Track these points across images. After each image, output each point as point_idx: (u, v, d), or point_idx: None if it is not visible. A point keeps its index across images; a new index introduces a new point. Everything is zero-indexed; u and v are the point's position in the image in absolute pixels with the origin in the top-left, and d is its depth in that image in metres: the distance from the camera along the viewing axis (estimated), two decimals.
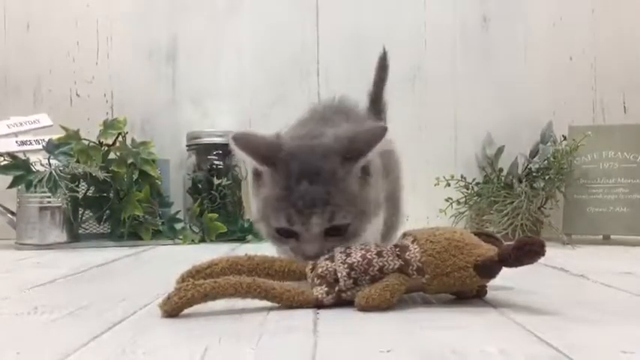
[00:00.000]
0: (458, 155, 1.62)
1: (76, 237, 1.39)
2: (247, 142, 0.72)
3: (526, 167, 1.45)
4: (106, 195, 1.41)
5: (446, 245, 0.64)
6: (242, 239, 1.42)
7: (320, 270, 0.64)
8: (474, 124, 1.61)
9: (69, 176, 1.33)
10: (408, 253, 0.64)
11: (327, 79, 1.63)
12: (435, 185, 1.48)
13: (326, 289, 0.63)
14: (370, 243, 0.67)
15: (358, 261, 0.64)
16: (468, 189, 1.48)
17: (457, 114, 1.62)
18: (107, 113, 1.61)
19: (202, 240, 1.42)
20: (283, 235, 0.71)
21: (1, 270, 0.98)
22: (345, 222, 0.69)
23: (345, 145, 0.71)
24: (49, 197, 1.32)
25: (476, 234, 0.70)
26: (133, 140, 1.47)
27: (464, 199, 1.47)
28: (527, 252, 0.61)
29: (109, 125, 1.44)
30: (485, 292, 0.68)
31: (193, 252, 1.22)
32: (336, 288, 0.63)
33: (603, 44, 1.61)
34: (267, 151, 0.71)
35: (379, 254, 0.64)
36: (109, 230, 1.44)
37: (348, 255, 0.65)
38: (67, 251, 1.28)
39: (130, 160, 1.42)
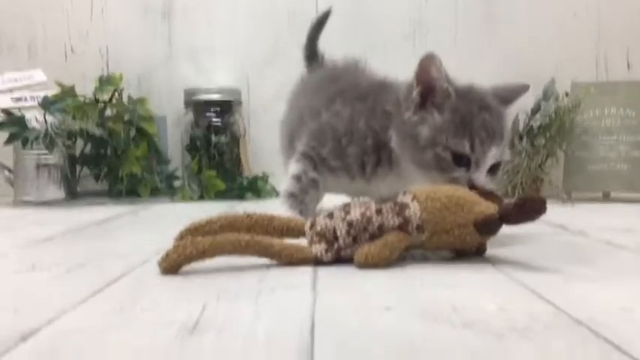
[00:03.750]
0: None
1: (73, 194, 1.38)
2: (440, 65, 0.76)
3: (527, 124, 1.43)
4: (104, 152, 1.40)
5: (446, 202, 0.63)
6: (241, 197, 1.42)
7: (319, 227, 0.64)
8: (476, 81, 1.58)
9: (65, 133, 1.32)
10: (407, 211, 0.63)
11: (327, 30, 1.60)
12: None
13: (325, 246, 0.63)
14: (370, 201, 0.67)
15: (357, 219, 0.63)
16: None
17: (459, 69, 1.59)
18: (102, 69, 1.58)
19: (201, 197, 1.41)
20: (455, 163, 0.75)
21: None
22: (505, 159, 0.79)
23: (502, 90, 0.82)
24: (46, 154, 1.31)
25: (477, 192, 0.69)
26: (129, 97, 1.45)
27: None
28: (528, 210, 0.60)
29: (104, 81, 1.42)
30: (485, 250, 0.67)
31: (192, 209, 1.21)
32: (335, 245, 0.63)
33: (607, 0, 1.58)
34: (450, 81, 0.77)
35: (378, 212, 0.63)
36: (107, 188, 1.43)
37: (347, 212, 0.64)
38: (65, 208, 1.27)
39: (126, 117, 1.41)
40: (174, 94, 1.57)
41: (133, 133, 1.42)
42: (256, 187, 1.42)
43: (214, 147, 1.47)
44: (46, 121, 1.29)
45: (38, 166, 1.32)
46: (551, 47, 1.58)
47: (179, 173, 1.48)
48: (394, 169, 0.84)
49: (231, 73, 1.60)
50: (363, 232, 0.63)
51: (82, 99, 1.38)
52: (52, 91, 1.37)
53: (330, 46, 1.58)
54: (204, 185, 1.41)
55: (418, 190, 0.66)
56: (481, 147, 0.75)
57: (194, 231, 0.67)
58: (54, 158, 1.33)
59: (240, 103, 1.53)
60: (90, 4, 1.59)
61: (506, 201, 0.65)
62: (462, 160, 0.76)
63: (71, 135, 1.35)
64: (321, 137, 0.89)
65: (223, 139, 1.47)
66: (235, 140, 1.50)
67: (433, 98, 0.77)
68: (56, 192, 1.34)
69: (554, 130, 1.36)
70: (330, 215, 0.65)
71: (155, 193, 1.42)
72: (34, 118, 1.31)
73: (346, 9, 1.59)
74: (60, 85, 1.38)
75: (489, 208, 0.63)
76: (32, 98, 1.36)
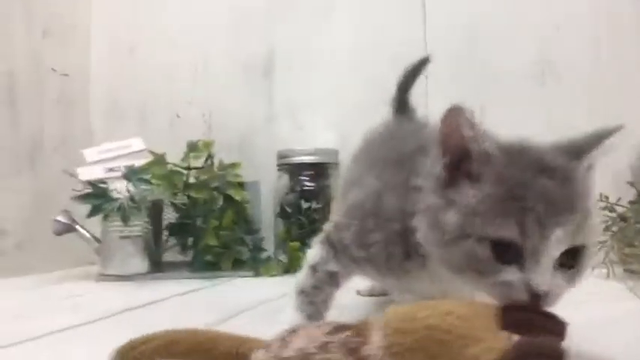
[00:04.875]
0: (604, 167, 1.28)
1: (158, 266, 1.32)
2: (472, 118, 0.52)
3: None
4: (190, 222, 1.33)
5: (423, 338, 0.41)
6: None
7: None
8: (625, 127, 1.26)
9: (144, 204, 1.27)
10: (365, 348, 0.43)
11: (437, 80, 1.40)
12: None
13: None
14: (333, 322, 0.47)
15: (294, 356, 0.44)
16: (611, 211, 1.15)
17: (601, 113, 1.29)
18: (204, 134, 1.54)
19: (287, 271, 1.27)
20: (500, 259, 0.50)
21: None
22: (588, 242, 0.52)
23: (567, 142, 0.56)
24: (131, 226, 1.27)
25: (504, 309, 0.46)
26: (220, 162, 1.38)
27: (604, 225, 1.14)
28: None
29: (191, 148, 1.36)
30: None
31: (267, 286, 1.09)
32: None
33: None
34: (490, 139, 0.53)
35: (324, 347, 0.43)
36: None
37: (285, 345, 0.45)
38: (136, 283, 1.21)
39: (214, 184, 1.33)
40: (272, 157, 1.47)
41: (220, 200, 1.33)
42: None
43: (304, 214, 1.32)
44: (129, 192, 1.26)
45: (121, 238, 1.28)
46: None
47: (271, 243, 1.36)
48: (428, 267, 0.61)
49: (332, 129, 1.46)
50: None
51: (170, 167, 1.33)
52: (144, 161, 1.34)
53: (436, 96, 1.38)
54: (290, 258, 1.27)
55: (394, 313, 0.45)
56: (539, 229, 0.49)
57: (130, 350, 0.53)
58: (138, 230, 1.28)
59: (337, 164, 1.38)
60: (194, 68, 1.57)
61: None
62: (509, 254, 0.50)
63: (157, 205, 1.30)
64: (346, 217, 0.70)
65: (315, 204, 1.33)
66: (329, 206, 1.34)
67: (467, 167, 0.53)
68: (138, 265, 1.28)
69: None
70: (268, 346, 0.46)
71: (239, 265, 1.31)
72: (120, 189, 1.28)
73: (458, 49, 1.38)
74: (152, 153, 1.35)
75: (491, 351, 0.40)
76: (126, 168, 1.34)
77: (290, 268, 1.26)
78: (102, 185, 1.28)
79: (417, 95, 1.37)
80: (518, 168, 0.51)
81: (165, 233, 1.36)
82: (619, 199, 1.16)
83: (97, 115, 1.63)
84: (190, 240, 1.33)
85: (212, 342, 0.51)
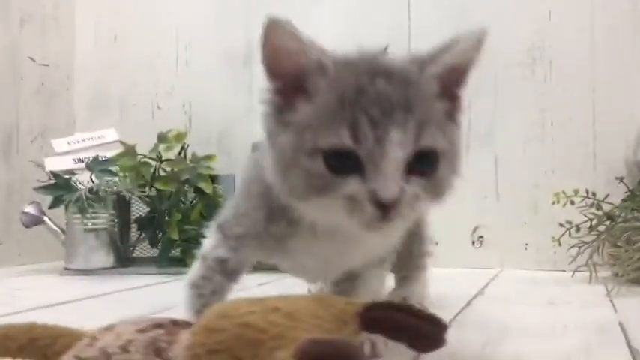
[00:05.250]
0: (598, 162, 1.18)
1: (124, 261, 1.27)
2: (296, 31, 0.47)
3: None
4: (157, 216, 1.28)
5: (231, 338, 0.35)
6: None
7: None
8: (620, 118, 1.16)
9: (114, 196, 1.23)
10: (172, 348, 0.36)
11: None
12: (553, 203, 1.09)
13: None
14: (156, 318, 0.40)
15: (94, 356, 0.37)
16: (597, 209, 1.05)
17: (596, 104, 1.19)
18: (185, 125, 1.49)
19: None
20: (336, 171, 0.45)
21: None
22: (437, 146, 0.47)
23: (422, 52, 0.50)
24: (95, 218, 1.23)
25: (366, 307, 0.39)
26: (193, 154, 1.32)
27: (589, 224, 1.05)
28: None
29: (161, 139, 1.31)
30: None
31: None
32: None
33: None
34: (319, 48, 0.48)
35: (125, 347, 0.37)
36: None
37: (95, 340, 0.39)
38: (97, 277, 1.17)
39: (185, 177, 1.28)
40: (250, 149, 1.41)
41: (190, 193, 1.28)
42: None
43: None
44: (93, 183, 1.22)
45: (86, 231, 1.24)
46: None
47: None
48: (297, 231, 0.54)
49: None
50: None
51: (140, 158, 1.29)
52: (116, 152, 1.30)
53: None
54: None
55: (218, 307, 0.38)
56: (373, 131, 0.43)
57: None
58: (102, 223, 1.24)
59: None
60: (175, 57, 1.52)
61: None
62: (347, 164, 0.44)
63: (121, 197, 1.25)
64: (230, 201, 0.65)
65: None
66: None
67: (301, 84, 0.47)
68: (103, 259, 1.24)
69: None
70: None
71: None
72: (86, 180, 1.24)
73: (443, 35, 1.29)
74: (123, 144, 1.31)
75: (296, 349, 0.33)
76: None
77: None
78: (66, 176, 1.24)
79: None
80: (353, 74, 0.46)
81: (135, 227, 1.32)
82: (607, 195, 1.06)
83: (80, 105, 1.60)
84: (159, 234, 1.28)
85: (50, 338, 0.46)
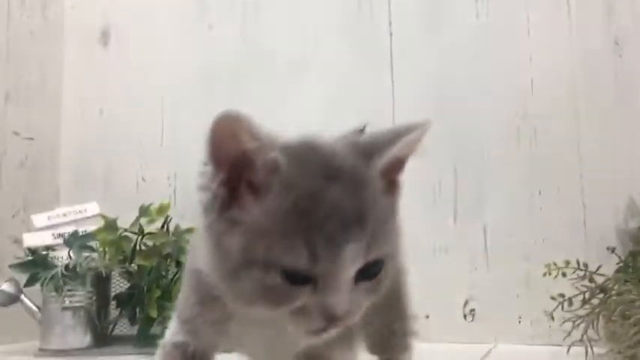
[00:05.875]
0: (589, 231, 1.15)
1: (102, 340, 1.22)
2: (250, 124, 0.44)
3: None
4: (136, 292, 1.23)
5: None
6: None
7: None
8: (609, 186, 1.14)
9: (92, 272, 1.19)
10: None
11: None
12: (544, 275, 1.05)
13: None
14: None
15: None
16: (590, 281, 1.02)
17: (584, 173, 1.17)
18: (170, 196, 1.47)
19: None
20: (290, 282, 0.43)
21: None
22: (385, 253, 0.47)
23: (364, 140, 0.50)
24: (71, 296, 1.19)
25: None
26: (176, 227, 1.29)
27: (582, 297, 1.01)
28: None
29: (142, 212, 1.28)
30: None
31: None
32: None
33: None
34: (275, 138, 0.46)
35: None
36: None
37: None
38: (74, 358, 1.12)
39: (167, 251, 1.25)
40: None
41: (172, 268, 1.24)
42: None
43: None
44: (70, 259, 1.18)
45: (63, 309, 1.19)
46: None
47: None
48: (228, 312, 0.52)
49: None
50: None
51: (120, 232, 1.26)
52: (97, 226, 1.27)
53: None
54: None
55: None
56: (329, 250, 0.42)
57: None
58: (78, 301, 1.19)
59: None
60: (161, 128, 1.52)
61: None
62: (300, 276, 0.43)
63: (101, 274, 1.21)
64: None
65: None
66: None
67: (251, 179, 0.45)
68: (79, 338, 1.19)
69: None
70: None
71: None
72: (65, 256, 1.21)
73: (426, 108, 1.28)
74: (104, 217, 1.28)
75: None
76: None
77: None
78: (44, 252, 1.21)
79: None
80: (307, 176, 0.45)
81: (114, 304, 1.27)
82: (599, 266, 1.03)
83: (64, 178, 1.59)
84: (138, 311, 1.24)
85: None
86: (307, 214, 0.43)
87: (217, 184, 0.46)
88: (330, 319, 0.44)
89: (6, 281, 1.24)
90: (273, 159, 0.45)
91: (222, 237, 0.45)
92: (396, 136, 0.48)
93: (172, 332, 0.60)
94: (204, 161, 0.47)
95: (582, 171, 1.17)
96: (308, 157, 0.46)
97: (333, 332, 0.46)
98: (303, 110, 1.38)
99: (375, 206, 0.46)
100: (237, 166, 0.45)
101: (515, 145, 1.22)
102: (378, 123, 0.91)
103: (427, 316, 1.17)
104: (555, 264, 1.04)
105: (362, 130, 0.90)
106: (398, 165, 0.50)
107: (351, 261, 0.43)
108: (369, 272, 0.46)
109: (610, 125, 1.16)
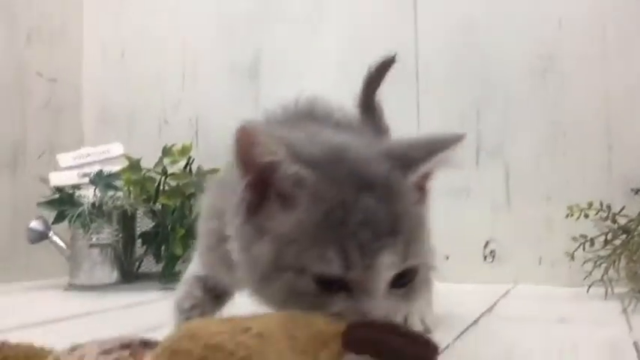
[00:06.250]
0: (613, 173, 1.14)
1: (128, 277, 1.26)
2: (270, 138, 0.44)
3: None
4: (161, 230, 1.26)
5: None
6: None
7: None
8: (636, 128, 1.13)
9: (118, 210, 1.22)
10: None
11: (428, 84, 1.29)
12: (567, 217, 1.05)
13: None
14: (126, 337, 0.38)
15: None
16: (613, 222, 1.01)
17: (610, 114, 1.15)
18: (192, 139, 1.47)
19: None
20: (324, 289, 0.43)
21: None
22: (420, 262, 0.46)
23: (397, 148, 0.48)
24: (99, 234, 1.21)
25: (349, 327, 0.36)
26: (198, 168, 1.31)
27: (604, 238, 1.01)
28: None
29: (165, 152, 1.29)
30: None
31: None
32: None
33: None
34: (301, 148, 0.45)
35: None
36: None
37: None
38: (102, 293, 1.15)
39: (190, 191, 1.26)
40: None
41: (195, 208, 1.26)
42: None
43: None
44: (96, 197, 1.20)
45: (91, 246, 1.22)
46: None
47: None
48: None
49: None
50: None
51: (145, 172, 1.27)
52: (122, 166, 1.29)
53: (428, 98, 1.29)
54: None
55: (186, 327, 0.35)
56: (362, 258, 0.42)
57: None
58: (106, 238, 1.22)
59: None
60: (182, 72, 1.51)
61: None
62: (334, 283, 0.43)
63: (126, 213, 1.24)
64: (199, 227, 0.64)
65: None
66: None
67: (276, 188, 0.45)
68: (107, 274, 1.22)
69: None
70: None
71: None
72: (91, 195, 1.23)
73: (451, 49, 1.26)
74: (128, 158, 1.30)
75: None
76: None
77: None
78: (70, 191, 1.23)
79: (407, 97, 1.29)
80: (336, 185, 0.44)
81: (140, 242, 1.30)
82: (622, 208, 1.02)
83: (88, 120, 1.60)
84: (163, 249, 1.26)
85: (20, 358, 0.43)
86: (340, 223, 0.42)
87: (244, 186, 0.46)
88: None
89: (35, 219, 1.27)
90: (296, 173, 0.44)
91: (252, 245, 0.45)
92: (431, 150, 0.47)
93: (194, 266, 0.62)
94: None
95: (609, 112, 1.15)
96: (338, 167, 0.45)
97: None
98: (323, 53, 1.37)
99: (409, 216, 0.45)
100: (264, 173, 0.45)
101: (542, 87, 1.20)
102: (401, 64, 0.92)
103: (447, 257, 1.18)
104: (578, 205, 1.04)
105: (392, 59, 0.89)
106: (429, 175, 0.50)
107: (386, 269, 0.43)
108: (403, 280, 0.45)
109: (638, 67, 1.13)
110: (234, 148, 0.45)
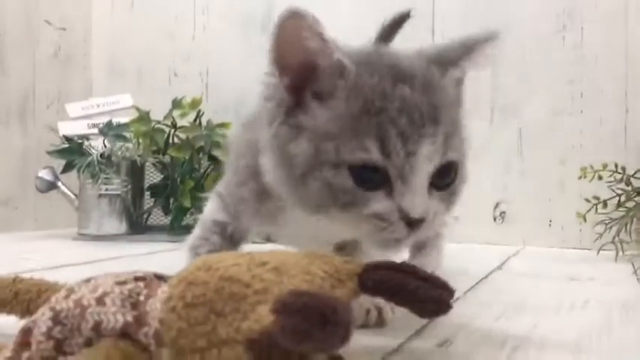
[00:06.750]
0: (629, 135, 1.12)
1: (137, 228, 1.26)
2: (316, 26, 0.43)
3: None
4: (170, 183, 1.25)
5: (212, 291, 0.32)
6: None
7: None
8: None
9: (127, 161, 1.21)
10: (150, 302, 0.33)
11: (444, 38, 1.26)
12: (580, 178, 1.04)
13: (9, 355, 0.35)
14: (140, 271, 0.37)
15: (68, 308, 0.35)
16: (627, 185, 1.00)
17: (629, 75, 1.13)
18: (202, 92, 1.46)
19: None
20: (363, 185, 0.42)
21: None
22: (459, 158, 0.46)
23: (434, 50, 0.49)
24: (107, 184, 1.21)
25: (365, 268, 0.36)
26: (208, 121, 1.29)
27: (617, 200, 1.00)
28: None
29: (175, 105, 1.28)
30: None
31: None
32: (25, 356, 0.35)
33: None
34: (341, 48, 0.45)
35: (100, 300, 0.34)
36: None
37: (73, 292, 0.36)
38: (110, 243, 1.15)
39: (199, 144, 1.25)
40: None
41: (205, 161, 1.26)
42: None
43: None
44: (105, 147, 1.20)
45: (100, 197, 1.22)
46: None
47: None
48: (287, 210, 0.52)
49: None
50: (74, 333, 0.34)
51: (154, 124, 1.26)
52: (131, 117, 1.27)
53: None
54: None
55: (202, 260, 0.35)
56: (403, 145, 0.41)
57: None
58: (114, 188, 1.22)
59: None
60: (193, 22, 1.49)
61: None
62: (373, 178, 0.42)
63: (135, 164, 1.23)
64: (225, 169, 0.65)
65: None
66: None
67: (316, 85, 0.45)
68: (115, 225, 1.22)
69: None
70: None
71: None
72: (100, 145, 1.22)
73: (467, 6, 1.23)
74: (137, 109, 1.28)
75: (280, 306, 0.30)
76: None
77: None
78: (79, 141, 1.22)
79: None
80: (375, 78, 0.43)
81: (148, 194, 1.29)
82: (637, 170, 1.01)
83: (97, 70, 1.58)
84: (172, 201, 1.26)
85: (33, 293, 0.43)
86: (378, 112, 0.42)
87: (282, 89, 0.45)
88: (409, 223, 0.42)
89: (43, 169, 1.27)
90: (339, 61, 0.43)
91: (289, 144, 0.45)
92: (469, 47, 0.47)
93: (213, 210, 0.61)
94: (268, 71, 0.45)
95: (628, 74, 1.12)
96: (377, 61, 0.45)
97: (410, 242, 0.44)
98: (337, 5, 1.34)
99: (449, 110, 0.45)
100: (302, 72, 0.44)
101: (560, 45, 1.17)
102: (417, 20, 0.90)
103: (456, 217, 1.17)
104: (592, 167, 1.02)
105: (407, 15, 0.87)
106: (462, 80, 0.50)
107: (426, 158, 0.42)
108: (443, 181, 0.44)
109: None
110: (273, 44, 0.44)
